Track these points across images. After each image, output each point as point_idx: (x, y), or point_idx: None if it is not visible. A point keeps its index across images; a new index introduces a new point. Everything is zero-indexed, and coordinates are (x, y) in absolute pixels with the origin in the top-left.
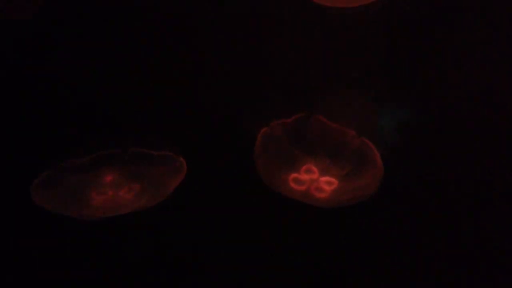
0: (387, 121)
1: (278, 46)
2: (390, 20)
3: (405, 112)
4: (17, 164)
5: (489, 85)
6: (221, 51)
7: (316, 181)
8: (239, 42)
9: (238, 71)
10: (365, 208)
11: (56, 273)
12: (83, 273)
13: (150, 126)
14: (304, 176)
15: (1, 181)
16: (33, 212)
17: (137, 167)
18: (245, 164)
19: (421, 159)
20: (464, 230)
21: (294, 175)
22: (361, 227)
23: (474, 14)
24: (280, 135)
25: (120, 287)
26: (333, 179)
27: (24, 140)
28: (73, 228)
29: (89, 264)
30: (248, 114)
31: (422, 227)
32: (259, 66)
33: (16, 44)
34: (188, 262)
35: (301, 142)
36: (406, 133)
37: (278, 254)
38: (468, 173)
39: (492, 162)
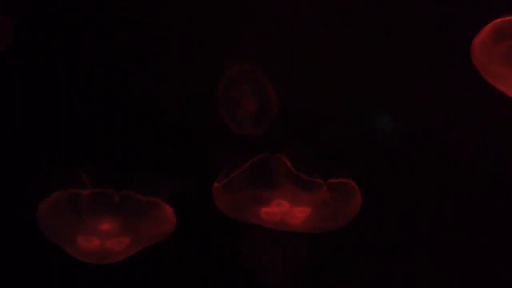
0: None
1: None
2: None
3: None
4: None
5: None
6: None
7: (288, 212)
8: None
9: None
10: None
11: None
12: None
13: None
14: (275, 209)
15: None
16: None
17: (130, 221)
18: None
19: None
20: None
21: (264, 209)
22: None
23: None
24: (232, 189)
25: None
26: (305, 208)
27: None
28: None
29: None
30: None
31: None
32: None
33: None
34: None
35: (263, 180)
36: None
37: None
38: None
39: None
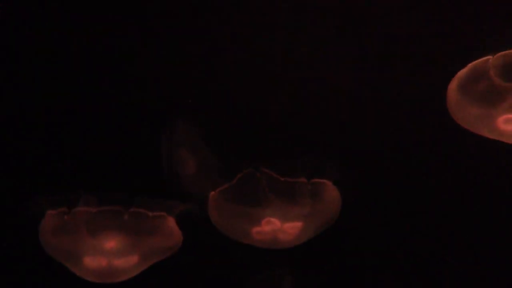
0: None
1: None
2: None
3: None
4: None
5: None
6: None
7: (280, 229)
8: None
9: None
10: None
11: None
12: None
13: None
14: (266, 228)
15: None
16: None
17: (137, 238)
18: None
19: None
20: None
21: (256, 229)
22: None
23: None
24: (226, 199)
25: None
26: (296, 223)
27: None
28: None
29: None
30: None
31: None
32: None
33: None
34: None
35: (251, 197)
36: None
37: None
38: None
39: None
